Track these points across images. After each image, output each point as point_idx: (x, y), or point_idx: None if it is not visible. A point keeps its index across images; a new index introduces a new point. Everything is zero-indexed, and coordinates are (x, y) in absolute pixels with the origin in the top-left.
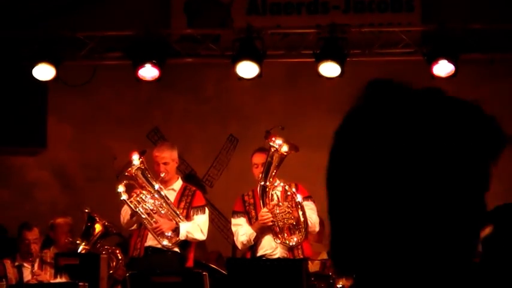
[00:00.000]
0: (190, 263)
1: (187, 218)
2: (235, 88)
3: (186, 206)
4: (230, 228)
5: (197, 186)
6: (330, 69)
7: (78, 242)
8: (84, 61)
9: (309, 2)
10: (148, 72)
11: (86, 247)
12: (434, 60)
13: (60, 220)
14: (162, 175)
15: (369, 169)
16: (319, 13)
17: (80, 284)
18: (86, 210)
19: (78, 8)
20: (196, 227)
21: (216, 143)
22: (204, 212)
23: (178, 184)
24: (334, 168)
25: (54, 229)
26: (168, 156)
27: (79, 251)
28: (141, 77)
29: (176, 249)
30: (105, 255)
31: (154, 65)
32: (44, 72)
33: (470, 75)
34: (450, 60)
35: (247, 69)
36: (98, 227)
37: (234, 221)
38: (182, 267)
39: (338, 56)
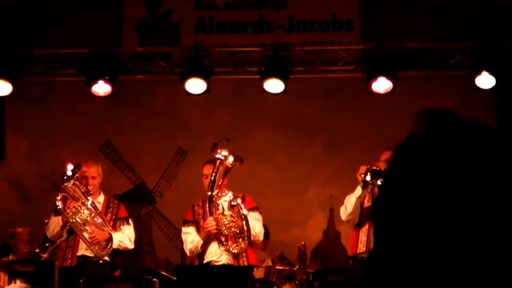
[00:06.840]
0: (118, 272)
1: (114, 228)
2: (184, 103)
3: (113, 218)
4: (179, 236)
5: (147, 196)
6: (274, 85)
7: (37, 250)
8: (40, 77)
9: (254, 22)
10: (101, 88)
11: (44, 255)
12: (373, 77)
13: (20, 229)
14: (89, 187)
15: (425, 203)
16: (264, 32)
17: None
18: (46, 221)
19: (34, 26)
20: (126, 236)
21: (166, 155)
22: (129, 223)
23: (101, 197)
24: (387, 199)
25: (14, 237)
26: (95, 171)
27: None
28: (94, 93)
29: (106, 258)
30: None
31: (106, 81)
32: (1, 87)
33: (407, 91)
34: (388, 77)
35: (195, 86)
36: None
37: (184, 229)
38: (112, 275)
39: (282, 73)
